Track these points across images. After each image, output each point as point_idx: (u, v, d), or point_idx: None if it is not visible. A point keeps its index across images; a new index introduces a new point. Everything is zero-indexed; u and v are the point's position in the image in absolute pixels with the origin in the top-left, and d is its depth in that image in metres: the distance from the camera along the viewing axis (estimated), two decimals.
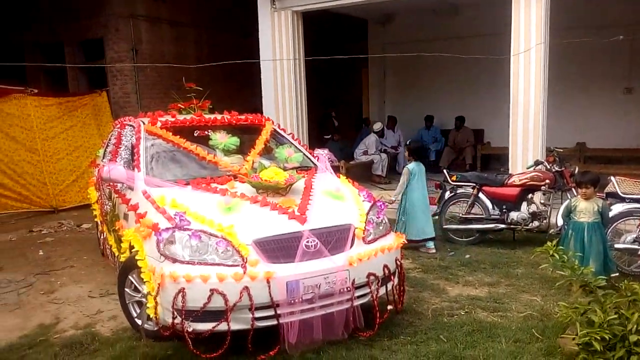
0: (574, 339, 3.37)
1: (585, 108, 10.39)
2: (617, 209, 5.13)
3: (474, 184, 6.29)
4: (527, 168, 6.44)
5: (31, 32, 11.05)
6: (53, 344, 3.95)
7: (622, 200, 5.17)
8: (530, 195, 6.14)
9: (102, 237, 5.72)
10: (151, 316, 3.54)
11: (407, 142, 6.43)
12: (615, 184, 5.24)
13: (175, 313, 3.33)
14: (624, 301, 3.33)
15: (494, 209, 6.20)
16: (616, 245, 4.98)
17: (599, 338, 3.20)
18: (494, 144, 11.24)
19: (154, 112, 4.98)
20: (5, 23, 11.29)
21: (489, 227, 6.19)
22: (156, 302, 3.45)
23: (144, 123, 4.73)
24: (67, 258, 6.25)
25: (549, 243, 3.61)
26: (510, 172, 6.87)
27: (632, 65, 10.19)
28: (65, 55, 10.72)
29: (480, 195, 6.26)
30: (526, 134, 6.98)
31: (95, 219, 5.88)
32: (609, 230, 5.05)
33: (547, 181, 5.97)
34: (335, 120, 12.28)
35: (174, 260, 3.40)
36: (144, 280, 3.57)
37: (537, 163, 6.35)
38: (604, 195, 5.28)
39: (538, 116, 6.89)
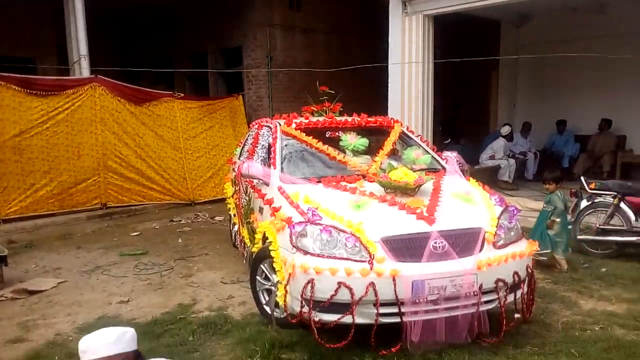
0: None
1: None
2: None
3: (616, 193, 5.82)
4: None
5: (180, 44, 12.21)
6: (191, 322, 4.35)
7: None
8: None
9: (234, 229, 6.18)
10: (280, 304, 3.78)
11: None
12: None
13: (304, 302, 3.52)
14: None
15: (637, 220, 5.69)
16: None
17: None
18: (637, 152, 10.25)
19: (289, 115, 5.30)
20: (158, 36, 12.59)
21: (630, 240, 5.69)
22: (286, 291, 3.67)
23: (280, 124, 5.05)
24: (202, 246, 6.82)
25: None
26: None
27: None
28: (208, 63, 11.71)
29: (622, 205, 5.78)
30: None
31: (230, 212, 6.35)
32: None
33: None
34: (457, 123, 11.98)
35: (305, 253, 3.60)
36: (276, 269, 3.82)
37: None
38: None
39: None
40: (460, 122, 12.02)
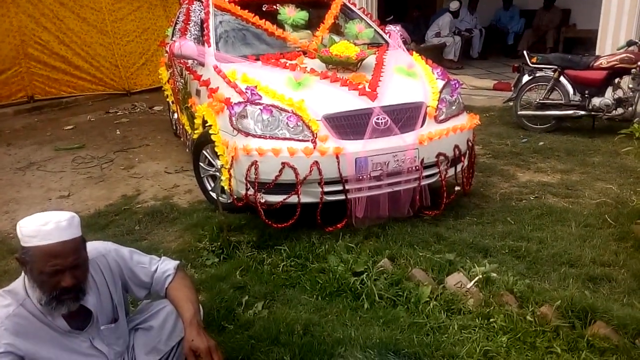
0: None
1: None
2: None
3: (556, 67, 5.87)
4: (618, 49, 5.89)
5: None
6: (136, 212, 4.27)
7: None
8: (617, 80, 5.68)
9: (174, 117, 5.91)
10: (225, 188, 3.71)
11: None
12: None
13: (249, 185, 3.46)
14: None
15: (575, 94, 5.81)
16: None
17: None
18: (580, 27, 10.30)
19: None
20: None
21: (567, 114, 5.85)
22: (230, 175, 3.59)
23: None
24: (142, 137, 6.56)
25: (635, 125, 3.38)
26: (597, 54, 6.31)
27: None
28: None
29: (562, 79, 5.86)
30: (620, 9, 6.27)
31: (167, 99, 6.04)
32: None
33: (639, 63, 5.46)
34: None
35: (247, 134, 3.47)
36: (218, 154, 3.69)
37: (629, 44, 5.78)
38: None
39: None
40: None
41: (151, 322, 2.16)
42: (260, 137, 3.44)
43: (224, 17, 4.53)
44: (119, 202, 4.53)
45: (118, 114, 7.97)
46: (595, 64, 5.68)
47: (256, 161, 3.39)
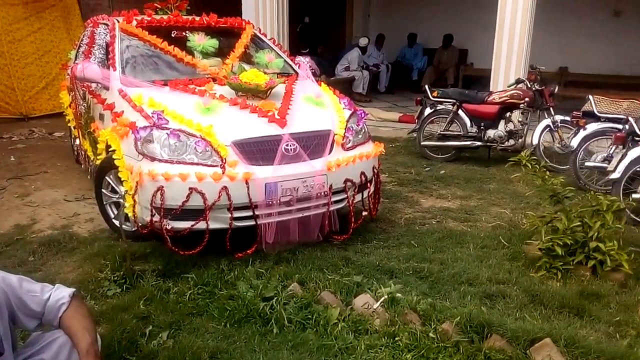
0: (538, 244, 3.55)
1: (571, 30, 10.25)
2: (591, 127, 5.23)
3: (455, 101, 6.30)
4: (508, 86, 6.45)
5: None
6: (31, 242, 3.98)
7: (598, 119, 5.26)
8: (508, 114, 6.20)
9: (75, 142, 5.63)
10: (129, 215, 3.57)
11: None
12: (593, 102, 5.31)
13: (154, 211, 3.35)
14: (588, 211, 3.48)
15: (472, 126, 6.26)
16: (587, 164, 5.11)
17: (561, 243, 3.38)
18: (476, 65, 11.14)
19: (129, 11, 4.75)
20: None
21: (465, 145, 6.27)
22: (134, 201, 3.46)
23: (118, 21, 4.53)
24: (40, 164, 6.16)
25: (522, 153, 3.69)
26: (491, 90, 6.86)
27: None
28: None
29: (460, 112, 6.30)
30: (510, 51, 6.90)
31: (69, 124, 5.75)
32: (581, 149, 5.18)
33: (527, 99, 6.01)
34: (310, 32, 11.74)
35: (152, 159, 3.38)
36: (122, 179, 3.56)
37: (518, 81, 6.35)
38: (580, 114, 5.36)
39: (524, 33, 6.79)
40: (319, 33, 11.91)
41: (42, 355, 2.00)
42: (167, 161, 3.37)
43: (131, 42, 4.42)
44: (10, 232, 4.20)
45: (13, 139, 7.43)
46: (488, 99, 6.17)
47: (162, 186, 3.30)
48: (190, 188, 3.29)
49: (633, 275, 3.38)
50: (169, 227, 3.39)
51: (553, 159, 5.90)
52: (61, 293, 2.05)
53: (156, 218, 3.37)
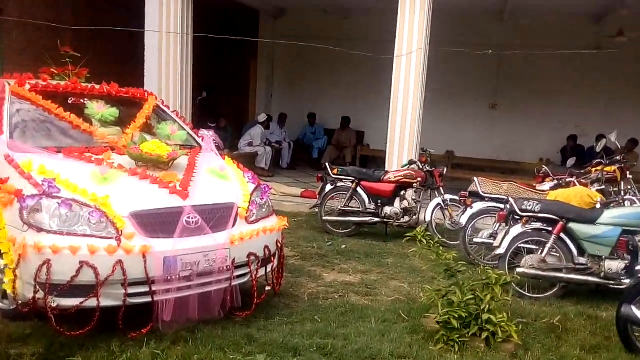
0: (435, 318, 3.67)
1: (456, 119, 11.42)
2: (477, 206, 5.66)
3: (354, 179, 6.56)
4: (402, 167, 6.86)
5: None
6: None
7: (482, 199, 5.71)
8: (403, 192, 6.54)
9: None
10: (8, 292, 3.22)
11: None
12: (477, 184, 5.78)
13: (38, 287, 3.05)
14: (479, 284, 3.69)
15: (370, 203, 6.51)
16: (475, 240, 5.47)
17: (457, 316, 3.52)
18: (373, 147, 11.81)
19: (22, 74, 4.52)
20: None
21: (364, 220, 6.49)
22: (15, 276, 3.13)
23: (9, 84, 4.28)
24: None
25: (418, 229, 3.87)
26: (387, 170, 7.25)
27: (498, 82, 11.38)
28: None
29: (359, 189, 6.55)
30: (403, 133, 7.41)
31: None
32: (469, 226, 5.56)
33: (419, 179, 6.41)
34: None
35: (40, 230, 3.12)
36: (2, 252, 3.23)
37: (411, 162, 6.79)
38: (467, 194, 5.80)
39: (415, 118, 7.37)
40: (220, 107, 12.05)
41: None
42: (56, 233, 3.12)
43: (23, 106, 4.16)
44: None
45: None
46: (385, 178, 6.51)
47: (49, 260, 3.04)
48: (81, 262, 3.06)
49: (522, 345, 3.57)
50: (54, 305, 3.09)
51: (445, 235, 6.25)
52: None
53: (40, 295, 3.06)
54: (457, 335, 3.51)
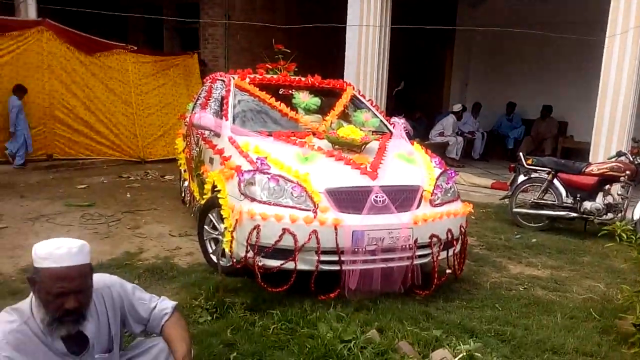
0: (632, 320, 3.38)
1: None
2: None
3: (550, 170, 6.18)
4: (609, 159, 6.24)
5: None
6: (137, 267, 4.41)
7: None
8: (607, 186, 5.97)
9: (184, 185, 6.20)
10: (226, 250, 3.88)
11: None
12: None
13: (249, 247, 3.63)
14: None
15: (567, 196, 6.08)
16: None
17: None
18: (577, 138, 10.81)
19: (243, 70, 5.32)
20: None
21: (560, 215, 6.08)
22: (232, 237, 3.77)
23: (234, 78, 5.08)
24: (151, 202, 6.80)
25: (617, 223, 3.58)
26: (590, 161, 6.66)
27: None
28: (164, 16, 11.37)
29: (555, 181, 6.15)
30: (612, 122, 6.72)
31: (180, 167, 6.36)
32: None
33: (628, 172, 5.78)
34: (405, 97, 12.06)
35: (252, 200, 3.70)
36: (224, 216, 3.90)
37: (619, 154, 6.14)
38: None
39: (628, 104, 6.61)
40: (416, 98, 12.24)
41: (143, 358, 2.26)
42: (265, 203, 3.68)
43: (243, 97, 4.94)
44: (121, 257, 4.68)
45: (130, 179, 8.27)
46: (586, 170, 6.00)
47: (259, 225, 3.59)
48: (283, 229, 3.55)
49: None
50: (260, 264, 3.64)
51: None
52: (166, 304, 2.32)
53: (250, 254, 3.64)
54: None
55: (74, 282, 1.93)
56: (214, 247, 4.32)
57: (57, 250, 1.93)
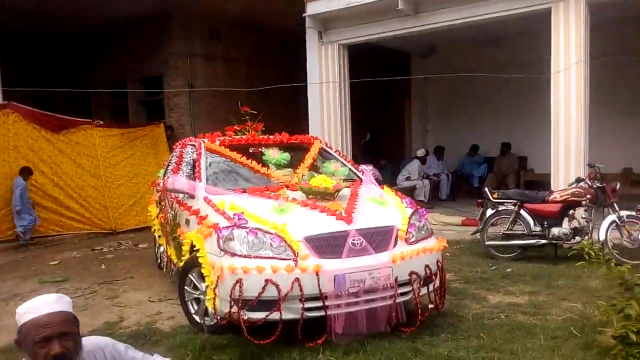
0: (611, 333, 3.50)
1: (636, 133, 10.31)
2: None
3: (515, 201, 6.44)
4: (569, 185, 6.54)
5: (99, 73, 12.05)
6: (119, 335, 4.31)
7: None
8: (571, 211, 6.24)
9: (159, 250, 6.19)
10: (209, 308, 3.89)
11: None
12: None
13: (233, 302, 3.66)
14: None
15: (535, 225, 6.31)
16: None
17: (635, 330, 3.33)
18: (537, 171, 11.27)
19: (212, 133, 5.48)
20: (74, 66, 12.37)
21: (530, 243, 6.29)
22: (215, 294, 3.79)
23: (204, 142, 5.23)
24: (127, 271, 6.72)
25: (584, 242, 3.77)
26: (552, 190, 6.96)
27: None
28: (128, 91, 11.62)
29: (522, 212, 6.40)
30: (568, 152, 7.10)
31: (154, 233, 6.36)
32: None
33: (588, 196, 6.07)
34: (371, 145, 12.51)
35: (233, 255, 3.76)
36: (204, 275, 3.93)
37: (578, 180, 6.45)
38: None
39: (580, 133, 7.03)
40: (380, 146, 12.65)
41: None
42: (245, 256, 3.74)
43: (214, 158, 5.08)
44: (102, 327, 4.60)
45: (103, 250, 8.16)
46: (550, 198, 6.28)
47: (241, 279, 3.64)
48: (265, 280, 3.61)
49: None
50: (245, 318, 3.66)
51: (624, 254, 5.79)
52: None
53: (234, 309, 3.66)
54: (637, 351, 3.32)
55: (56, 327, 1.93)
56: (196, 308, 4.31)
57: (35, 303, 1.97)
